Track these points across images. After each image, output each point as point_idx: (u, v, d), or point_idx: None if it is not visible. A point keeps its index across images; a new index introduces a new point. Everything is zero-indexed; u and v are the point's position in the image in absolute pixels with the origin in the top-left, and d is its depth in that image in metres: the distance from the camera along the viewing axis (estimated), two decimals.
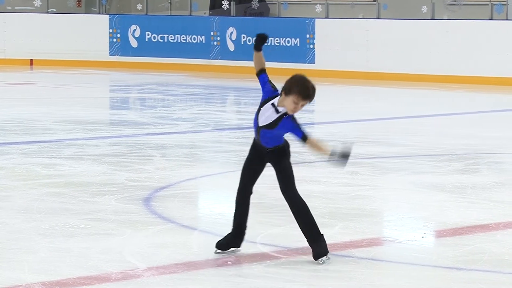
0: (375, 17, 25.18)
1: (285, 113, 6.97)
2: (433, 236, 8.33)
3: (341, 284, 6.61)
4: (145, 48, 26.64)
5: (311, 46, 24.61)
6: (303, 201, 7.12)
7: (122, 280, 6.64)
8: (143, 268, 6.91)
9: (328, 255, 7.04)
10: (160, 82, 23.31)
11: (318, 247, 7.04)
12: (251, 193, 7.30)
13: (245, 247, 7.53)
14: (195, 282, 6.69)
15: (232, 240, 7.28)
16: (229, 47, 25.67)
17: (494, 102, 19.71)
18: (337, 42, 24.31)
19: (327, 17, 25.42)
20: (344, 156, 6.87)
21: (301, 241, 7.58)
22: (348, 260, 7.26)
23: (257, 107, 7.10)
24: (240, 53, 25.32)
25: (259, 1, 27.44)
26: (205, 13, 27.86)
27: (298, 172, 10.95)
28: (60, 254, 7.31)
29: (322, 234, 7.10)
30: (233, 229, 7.29)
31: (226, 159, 12.31)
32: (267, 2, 27.69)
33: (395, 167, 11.70)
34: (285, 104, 6.94)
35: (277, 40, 25.03)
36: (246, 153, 12.24)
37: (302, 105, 6.96)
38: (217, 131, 14.92)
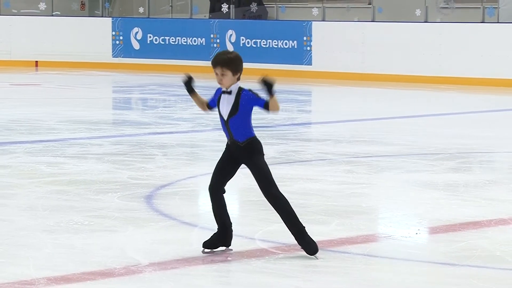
0: (370, 20, 25.18)
1: (239, 90, 7.05)
2: (427, 232, 8.34)
3: (337, 279, 6.61)
4: (147, 50, 26.63)
5: (308, 48, 24.60)
6: (285, 198, 7.09)
7: (124, 276, 6.64)
8: (145, 264, 6.91)
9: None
10: (161, 83, 23.30)
11: (309, 244, 7.02)
12: (223, 192, 7.26)
13: (245, 244, 7.55)
14: (196, 277, 6.70)
15: (219, 239, 7.22)
16: (229, 49, 25.65)
17: (485, 102, 19.72)
18: (334, 44, 24.30)
19: (323, 20, 25.42)
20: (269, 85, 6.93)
21: None
22: (344, 256, 7.27)
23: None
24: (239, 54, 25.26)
25: (257, 5, 27.43)
26: (205, 16, 27.86)
27: (295, 171, 11.04)
28: (65, 250, 7.31)
29: (304, 227, 7.08)
30: (218, 228, 7.26)
31: None
32: (265, 5, 27.68)
33: (390, 166, 11.70)
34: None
35: (275, 42, 25.03)
36: None
37: (220, 73, 7.02)
38: (217, 130, 14.86)
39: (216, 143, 13.52)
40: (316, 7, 25.99)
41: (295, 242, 7.37)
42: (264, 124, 15.29)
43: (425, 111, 18.16)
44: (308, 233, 7.04)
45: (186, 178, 10.58)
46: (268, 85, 6.89)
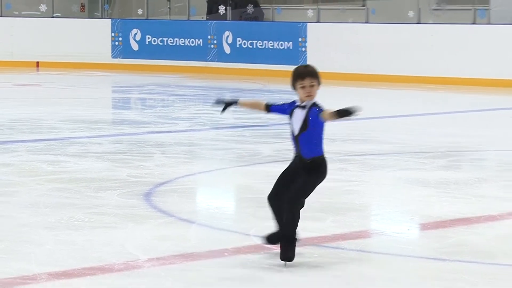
0: (364, 21, 25.23)
1: (312, 105, 6.74)
2: (418, 229, 8.38)
3: (331, 274, 6.64)
4: (146, 51, 26.67)
5: (303, 49, 24.64)
6: (296, 212, 6.82)
7: (124, 271, 6.67)
8: (144, 259, 6.94)
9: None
10: (159, 83, 23.32)
11: (288, 250, 6.80)
12: (302, 205, 6.93)
13: (241, 239, 7.58)
14: (194, 272, 6.72)
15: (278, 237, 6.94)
16: (225, 50, 25.70)
17: (476, 102, 19.75)
18: (328, 45, 24.34)
19: (318, 22, 25.46)
20: (347, 113, 6.61)
21: None
22: (338, 252, 7.29)
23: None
24: (235, 55, 25.36)
25: (254, 7, 27.46)
26: (202, 18, 27.88)
27: None
28: (65, 246, 7.34)
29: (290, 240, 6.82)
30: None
31: (223, 156, 12.35)
32: (261, 7, 27.71)
33: (382, 164, 11.74)
34: (300, 95, 6.78)
35: (271, 43, 25.06)
36: (242, 151, 12.34)
37: (309, 84, 6.73)
38: (214, 129, 14.94)
39: (213, 141, 13.57)
40: (311, 9, 26.03)
41: None
42: (260, 123, 15.32)
43: (417, 110, 18.21)
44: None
45: (184, 176, 10.61)
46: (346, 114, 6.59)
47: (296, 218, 6.81)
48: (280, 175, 6.97)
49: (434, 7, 25.56)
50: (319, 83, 6.79)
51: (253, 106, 7.30)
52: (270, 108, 7.03)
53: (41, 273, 6.51)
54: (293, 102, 6.86)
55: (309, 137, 6.75)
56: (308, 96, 6.72)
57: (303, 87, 6.73)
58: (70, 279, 6.47)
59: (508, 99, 20.01)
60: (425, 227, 8.31)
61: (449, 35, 23.15)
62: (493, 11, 24.14)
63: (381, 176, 10.93)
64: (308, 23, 25.04)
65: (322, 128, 6.76)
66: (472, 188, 9.95)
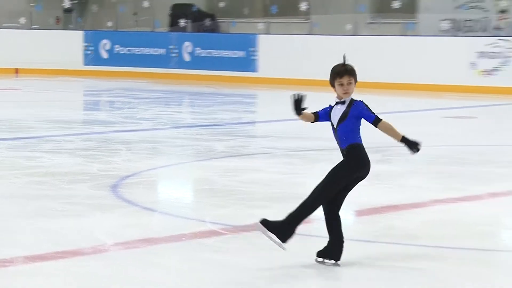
0: (308, 33, 25.32)
1: (352, 100, 6.41)
2: (354, 215, 8.42)
3: (276, 255, 6.64)
4: (114, 59, 26.55)
5: (254, 57, 24.65)
6: (318, 202, 6.45)
7: (92, 254, 6.65)
8: (110, 244, 6.93)
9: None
10: (126, 87, 23.22)
11: (285, 235, 6.38)
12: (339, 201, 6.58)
13: (197, 226, 7.58)
14: (155, 255, 6.71)
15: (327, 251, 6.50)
16: (185, 58, 25.64)
17: (406, 104, 19.86)
18: (277, 54, 24.37)
19: (268, 33, 25.49)
20: (414, 145, 6.42)
21: (244, 219, 7.65)
22: None
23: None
24: (194, 63, 25.32)
25: (211, 20, 27.47)
26: (165, 30, 27.85)
27: (242, 163, 11.08)
28: (41, 233, 7.30)
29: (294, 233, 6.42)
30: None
31: (182, 152, 12.33)
32: (217, 20, 27.72)
33: (323, 158, 11.75)
34: (337, 92, 6.40)
35: (225, 52, 25.04)
36: (199, 147, 12.34)
37: (347, 82, 6.39)
38: (175, 128, 14.91)
39: (173, 139, 13.53)
40: (262, 22, 26.08)
41: (240, 223, 7.43)
42: (215, 122, 15.33)
43: None
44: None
45: (148, 170, 10.58)
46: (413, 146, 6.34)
47: (305, 212, 6.39)
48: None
49: (369, 21, 25.73)
50: (355, 81, 6.45)
51: (305, 119, 6.57)
52: (318, 116, 6.53)
53: (18, 257, 6.48)
54: (330, 106, 6.48)
55: (345, 127, 6.35)
56: (345, 93, 6.36)
57: (341, 85, 6.37)
58: (44, 261, 6.45)
59: (434, 101, 20.14)
60: (359, 213, 8.35)
61: (381, 46, 23.28)
62: (421, 24, 24.33)
63: (322, 168, 10.88)
64: (259, 35, 25.05)
65: (359, 122, 6.37)
66: (401, 179, 10.01)
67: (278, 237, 6.29)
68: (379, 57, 22.98)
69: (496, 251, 6.93)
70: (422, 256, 6.62)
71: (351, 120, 6.33)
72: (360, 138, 6.38)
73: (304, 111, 6.38)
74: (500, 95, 20.73)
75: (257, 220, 7.20)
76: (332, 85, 6.42)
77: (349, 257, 6.66)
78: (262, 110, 20.05)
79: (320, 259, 6.40)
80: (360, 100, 6.38)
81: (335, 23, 25.42)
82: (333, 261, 6.36)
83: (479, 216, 8.05)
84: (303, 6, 26.64)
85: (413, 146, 6.34)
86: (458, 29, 24.77)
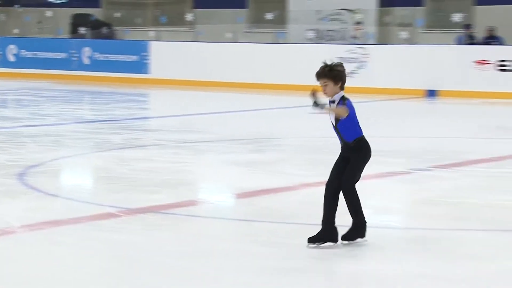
0: (193, 40, 25.25)
1: (341, 99, 6.02)
2: (235, 198, 8.39)
3: (168, 235, 6.56)
4: (21, 62, 25.90)
5: (147, 61, 24.41)
6: (355, 194, 6.08)
7: (1, 236, 6.42)
8: (17, 226, 6.70)
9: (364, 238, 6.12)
10: (32, 87, 22.64)
11: (357, 230, 6.09)
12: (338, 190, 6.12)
13: (96, 209, 7.40)
14: (58, 235, 6.54)
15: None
16: (85, 62, 25.20)
17: (278, 101, 19.95)
18: (166, 58, 24.20)
19: (158, 40, 25.32)
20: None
21: (138, 202, 7.52)
22: (173, 217, 7.23)
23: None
24: (93, 66, 24.94)
25: (107, 28, 27.14)
26: (67, 36, 27.38)
27: (136, 154, 10.92)
28: None
29: (365, 221, 6.12)
30: (325, 225, 6.11)
31: (83, 144, 12.06)
32: (113, 28, 27.39)
33: (208, 149, 11.71)
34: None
35: (121, 57, 24.72)
36: (98, 140, 12.10)
37: (323, 84, 6.01)
38: (76, 123, 14.61)
39: (75, 133, 13.23)
40: (153, 30, 25.92)
41: (135, 206, 7.31)
42: (112, 118, 15.09)
43: (233, 108, 18.26)
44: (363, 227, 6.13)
45: (52, 160, 10.31)
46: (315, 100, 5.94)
47: (356, 203, 6.04)
48: (334, 164, 6.17)
49: (245, 30, 25.84)
50: (335, 82, 5.99)
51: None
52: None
53: None
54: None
55: (344, 124, 6.03)
56: (324, 93, 6.03)
57: (321, 86, 6.05)
58: None
59: (302, 99, 20.30)
60: (239, 196, 8.32)
61: (257, 52, 23.39)
62: (290, 33, 24.55)
63: (207, 158, 10.91)
64: (150, 42, 24.85)
65: (353, 115, 6.05)
66: (274, 166, 10.01)
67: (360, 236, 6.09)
68: (255, 61, 23.08)
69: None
70: (298, 232, 6.61)
71: (346, 119, 6.02)
72: (361, 130, 6.08)
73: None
74: (357, 94, 21.09)
75: (148, 203, 7.08)
76: None
77: (230, 233, 6.62)
78: (154, 107, 19.87)
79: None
80: (347, 100, 6.03)
81: (217, 32, 25.45)
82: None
83: (341, 197, 8.08)
84: (189, 17, 26.59)
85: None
86: (321, 38, 25.12)
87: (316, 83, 6.16)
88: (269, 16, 25.61)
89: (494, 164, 10.03)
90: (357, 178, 6.06)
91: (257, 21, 26.27)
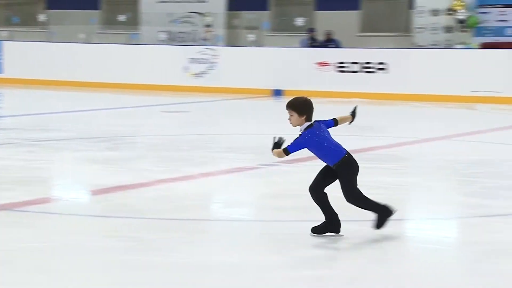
0: (46, 41, 24.72)
1: (304, 129, 6.12)
2: (90, 194, 8.24)
3: (23, 232, 6.38)
4: None
5: (0, 60, 23.69)
6: (363, 196, 6.10)
7: None
8: None
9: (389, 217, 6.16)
10: None
11: (382, 218, 6.16)
12: (324, 194, 6.15)
13: None
14: None
15: (327, 228, 6.23)
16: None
17: (133, 100, 19.76)
18: (20, 58, 23.58)
19: (12, 40, 24.66)
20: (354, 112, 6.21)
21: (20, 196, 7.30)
22: (27, 215, 7.03)
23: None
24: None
25: None
26: None
27: None
28: None
29: (387, 208, 6.16)
30: (326, 219, 6.23)
31: None
32: None
33: (64, 147, 11.44)
34: None
35: None
36: None
37: (289, 115, 6.13)
38: None
39: None
40: (5, 30, 25.23)
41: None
42: None
43: (88, 107, 17.94)
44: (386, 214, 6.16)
45: None
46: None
47: (368, 203, 6.10)
48: (320, 171, 6.16)
49: (98, 31, 25.50)
50: (299, 114, 6.05)
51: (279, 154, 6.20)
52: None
53: None
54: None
55: (317, 154, 6.08)
56: (290, 123, 6.14)
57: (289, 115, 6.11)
58: None
59: (156, 99, 20.17)
60: (94, 192, 8.19)
61: (110, 52, 23.13)
62: (143, 34, 24.40)
63: (61, 156, 10.67)
64: (3, 41, 24.12)
65: (316, 144, 6.03)
66: (129, 163, 9.91)
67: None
68: (108, 61, 22.79)
69: (205, 220, 7.03)
70: (153, 227, 6.57)
71: (311, 150, 6.06)
72: (339, 153, 6.04)
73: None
74: (208, 93, 21.24)
75: (2, 201, 6.87)
76: None
77: (90, 230, 6.51)
78: (7, 106, 19.23)
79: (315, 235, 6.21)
80: (304, 132, 6.06)
81: (70, 33, 24.99)
82: (333, 234, 6.22)
83: (193, 192, 8.13)
84: (42, 18, 25.94)
85: (354, 113, 6.35)
86: (173, 39, 25.12)
87: None
88: (121, 17, 25.35)
89: None
90: (355, 190, 6.07)
91: (110, 22, 25.96)
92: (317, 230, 6.22)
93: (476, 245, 6.08)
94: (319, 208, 6.18)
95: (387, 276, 5.35)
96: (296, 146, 6.07)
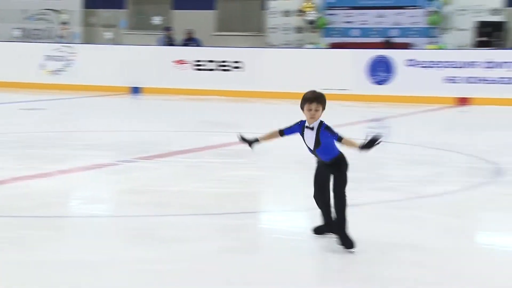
0: None
1: (319, 125, 5.79)
2: None
3: None
4: None
5: None
6: (346, 201, 5.86)
7: None
8: None
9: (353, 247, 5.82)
10: None
11: (345, 239, 5.84)
12: (327, 194, 5.94)
13: None
14: None
15: (328, 228, 6.08)
16: None
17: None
18: None
19: None
20: (371, 145, 5.63)
21: None
22: None
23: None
24: None
25: None
26: None
27: None
28: None
29: (346, 228, 5.88)
30: (325, 221, 6.08)
31: None
32: None
33: None
34: (306, 117, 5.82)
35: None
36: None
37: (315, 109, 5.74)
38: None
39: None
40: None
41: None
42: None
43: None
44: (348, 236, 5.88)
45: None
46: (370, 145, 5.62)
47: (345, 212, 5.85)
48: (316, 178, 5.95)
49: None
50: (323, 108, 5.81)
51: (271, 137, 6.05)
52: (283, 132, 5.95)
53: None
54: (301, 122, 5.87)
55: (323, 149, 5.82)
56: (312, 118, 5.76)
57: (309, 110, 5.75)
58: None
59: (11, 96, 19.59)
60: None
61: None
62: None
63: None
64: None
65: (332, 140, 5.79)
66: None
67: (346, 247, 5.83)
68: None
69: (65, 217, 6.93)
70: (8, 225, 6.41)
71: (324, 144, 5.80)
72: (337, 148, 5.86)
73: (258, 140, 6.00)
74: (65, 91, 20.85)
75: None
76: (302, 109, 5.82)
77: None
78: None
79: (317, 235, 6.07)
80: (324, 125, 5.79)
81: None
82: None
83: (53, 190, 7.98)
84: None
85: (370, 145, 5.65)
86: (28, 36, 24.48)
87: None
88: None
89: (191, 155, 10.38)
90: (345, 186, 5.88)
91: None
92: (318, 231, 6.15)
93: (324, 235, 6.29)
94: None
95: (243, 266, 5.45)
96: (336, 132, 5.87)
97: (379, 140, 5.53)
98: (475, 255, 5.77)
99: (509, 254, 5.91)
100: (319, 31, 23.70)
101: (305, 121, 5.83)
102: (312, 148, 5.85)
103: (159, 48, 22.11)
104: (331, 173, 5.87)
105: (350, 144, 5.71)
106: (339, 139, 5.75)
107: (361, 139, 5.65)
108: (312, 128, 5.80)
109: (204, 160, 10.02)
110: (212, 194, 7.74)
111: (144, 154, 10.27)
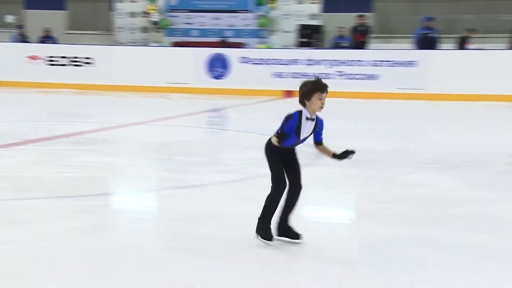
0: None
1: (316, 117, 5.02)
2: None
3: None
4: None
5: None
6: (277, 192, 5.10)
7: None
8: None
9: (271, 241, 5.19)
10: None
11: (264, 229, 5.21)
12: (300, 187, 5.14)
13: None
14: None
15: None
16: None
17: None
18: None
19: None
20: (345, 155, 4.99)
21: None
22: None
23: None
24: None
25: None
26: None
27: None
28: None
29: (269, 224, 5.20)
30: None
31: None
32: None
33: None
34: (312, 107, 4.95)
35: None
36: None
37: (324, 98, 4.95)
38: None
39: None
40: None
41: None
42: None
43: None
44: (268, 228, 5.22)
45: None
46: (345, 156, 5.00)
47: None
48: (281, 168, 5.05)
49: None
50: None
51: (325, 150, 5.14)
52: (284, 133, 5.00)
53: None
54: (295, 115, 4.99)
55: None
56: (321, 107, 4.95)
57: (320, 99, 4.91)
58: None
59: None
60: None
61: None
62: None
63: None
64: None
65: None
66: None
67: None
68: None
69: None
70: None
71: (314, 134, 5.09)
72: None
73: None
74: None
75: None
76: (307, 98, 4.96)
77: None
78: None
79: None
80: (319, 117, 5.08)
81: None
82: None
83: None
84: None
85: (344, 156, 5.03)
86: None
87: None
88: None
89: (46, 143, 10.03)
90: (277, 172, 5.14)
91: None
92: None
93: (173, 213, 6.25)
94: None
95: (97, 242, 5.31)
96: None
97: (352, 155, 4.99)
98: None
99: (325, 225, 6.10)
100: (162, 31, 23.58)
101: (298, 113, 5.00)
102: (302, 138, 5.05)
103: (12, 44, 21.28)
104: (291, 158, 5.14)
105: (324, 150, 5.12)
106: (320, 142, 5.13)
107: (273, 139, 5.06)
108: (313, 120, 5.02)
109: (59, 148, 9.69)
110: (67, 178, 7.48)
111: (0, 142, 9.79)
